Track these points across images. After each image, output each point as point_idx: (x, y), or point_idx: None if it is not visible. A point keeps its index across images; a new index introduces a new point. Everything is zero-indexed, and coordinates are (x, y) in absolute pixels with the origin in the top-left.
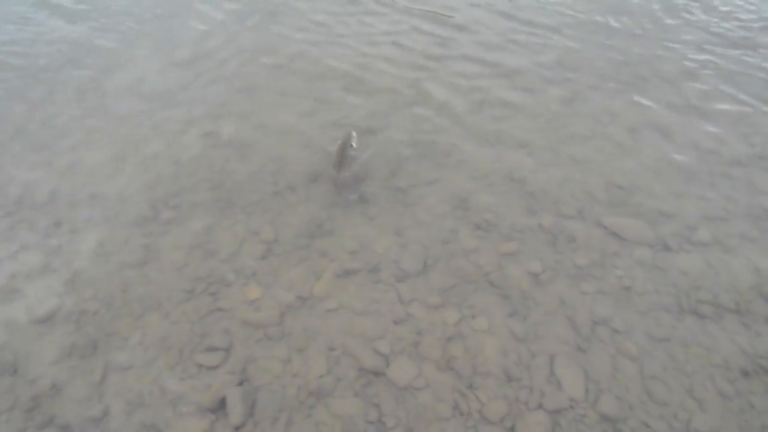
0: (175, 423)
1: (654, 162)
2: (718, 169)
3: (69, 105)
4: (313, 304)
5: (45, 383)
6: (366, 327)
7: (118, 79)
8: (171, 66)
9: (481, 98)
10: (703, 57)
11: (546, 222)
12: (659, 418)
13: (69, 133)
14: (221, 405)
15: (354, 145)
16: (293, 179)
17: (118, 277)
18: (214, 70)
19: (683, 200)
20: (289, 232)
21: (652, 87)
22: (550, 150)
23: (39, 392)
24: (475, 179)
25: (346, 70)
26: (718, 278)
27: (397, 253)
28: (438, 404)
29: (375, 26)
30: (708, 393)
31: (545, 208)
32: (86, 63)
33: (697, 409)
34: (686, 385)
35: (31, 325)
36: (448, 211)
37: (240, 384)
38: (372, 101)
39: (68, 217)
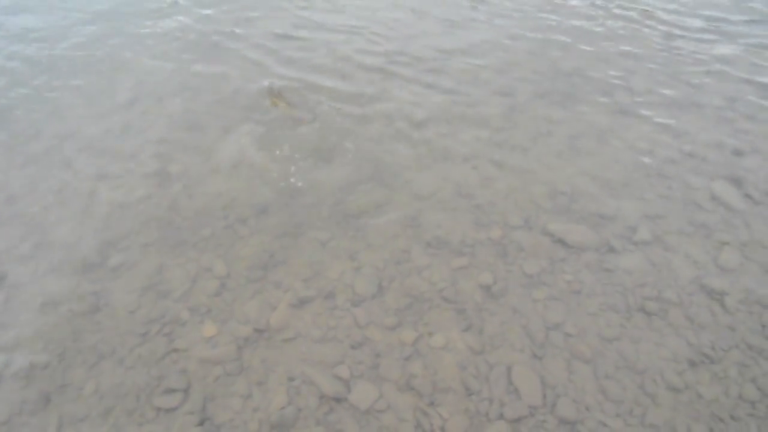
0: None
1: (592, 166)
2: (654, 170)
3: (7, 154)
4: (271, 336)
5: None
6: (324, 354)
7: (56, 125)
8: (112, 108)
9: (425, 116)
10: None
11: (495, 234)
12: (615, 416)
13: (7, 184)
14: None
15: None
16: (243, 211)
17: (68, 326)
18: (156, 109)
19: (623, 202)
20: (241, 265)
21: (586, 93)
22: (494, 163)
23: None
24: (423, 198)
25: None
26: (661, 275)
27: (351, 277)
28: (401, 425)
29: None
30: (659, 387)
31: (493, 220)
32: (21, 112)
33: (650, 404)
34: (638, 382)
35: None
36: (399, 232)
37: (200, 424)
38: (317, 128)
39: (12, 268)
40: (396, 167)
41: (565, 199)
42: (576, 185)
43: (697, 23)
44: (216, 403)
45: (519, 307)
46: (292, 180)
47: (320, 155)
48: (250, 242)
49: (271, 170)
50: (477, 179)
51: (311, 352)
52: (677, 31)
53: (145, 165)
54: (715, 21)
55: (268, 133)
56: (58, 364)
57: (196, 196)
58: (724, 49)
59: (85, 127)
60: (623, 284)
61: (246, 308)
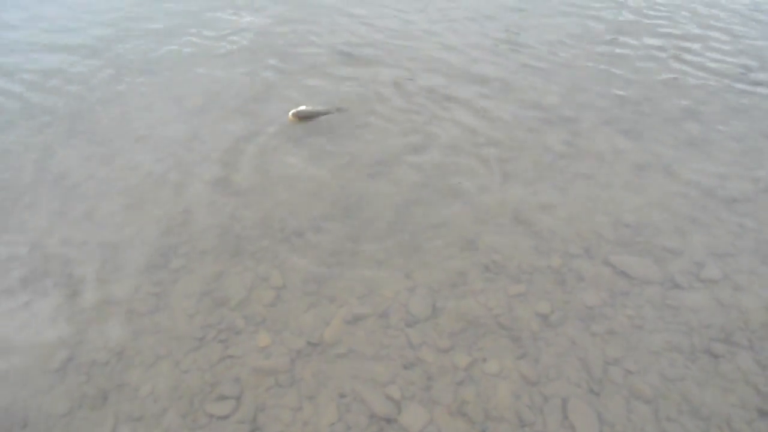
0: None
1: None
2: (723, 205)
3: (79, 153)
4: (323, 350)
5: None
6: (376, 372)
7: (127, 126)
8: (182, 113)
9: (486, 139)
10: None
11: (554, 262)
12: None
13: (76, 185)
14: None
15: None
16: (300, 224)
17: (128, 326)
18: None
19: (690, 236)
20: (297, 277)
21: (654, 122)
22: (557, 189)
23: None
24: (481, 221)
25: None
26: (729, 316)
27: (406, 297)
28: None
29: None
30: None
31: (553, 248)
32: (97, 111)
33: None
34: (702, 428)
35: (42, 375)
36: (455, 254)
37: None
38: (378, 144)
39: (78, 266)
40: (455, 188)
41: (629, 230)
42: (641, 217)
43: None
44: (266, 414)
45: (577, 338)
46: (349, 194)
47: (380, 170)
48: (307, 255)
49: (329, 184)
50: (537, 204)
51: (363, 370)
52: (753, 61)
53: (209, 172)
54: None
55: (327, 146)
56: (116, 363)
57: (256, 206)
58: None
59: (154, 132)
60: (688, 323)
61: (300, 321)
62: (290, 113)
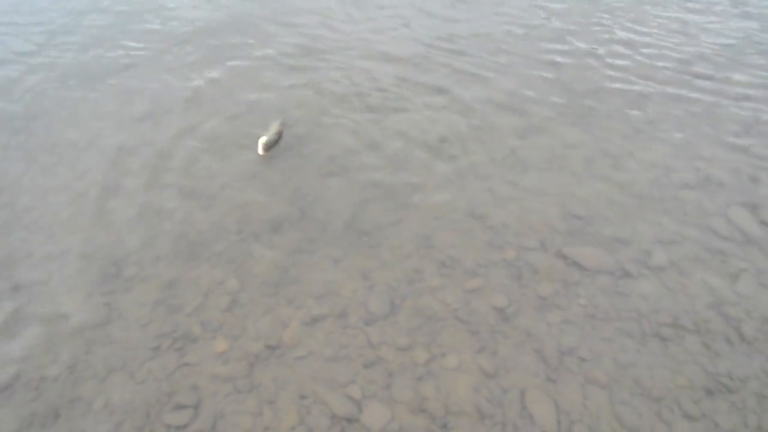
0: None
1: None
2: (668, 194)
3: (27, 163)
4: (282, 353)
5: None
6: (336, 373)
7: (70, 135)
8: (126, 120)
9: (439, 136)
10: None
11: (509, 255)
12: None
13: (22, 193)
14: None
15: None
16: (257, 227)
17: (79, 338)
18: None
19: (637, 225)
20: (254, 281)
21: (601, 116)
22: (509, 183)
23: None
24: (437, 217)
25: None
26: (677, 300)
27: (364, 296)
28: None
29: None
30: (675, 415)
31: (507, 241)
32: (42, 118)
33: None
34: (654, 409)
35: None
36: (412, 251)
37: None
38: (331, 145)
39: (25, 278)
40: (409, 186)
41: (580, 222)
42: (591, 208)
43: (711, 49)
44: (226, 421)
45: (533, 330)
46: (304, 195)
47: (333, 170)
48: (264, 258)
49: (285, 186)
50: (490, 199)
51: (323, 371)
52: (691, 54)
53: (161, 178)
54: (729, 50)
55: (283, 150)
56: (68, 377)
57: (211, 210)
58: (740, 76)
59: (102, 138)
60: (638, 309)
61: (258, 325)
62: (260, 149)
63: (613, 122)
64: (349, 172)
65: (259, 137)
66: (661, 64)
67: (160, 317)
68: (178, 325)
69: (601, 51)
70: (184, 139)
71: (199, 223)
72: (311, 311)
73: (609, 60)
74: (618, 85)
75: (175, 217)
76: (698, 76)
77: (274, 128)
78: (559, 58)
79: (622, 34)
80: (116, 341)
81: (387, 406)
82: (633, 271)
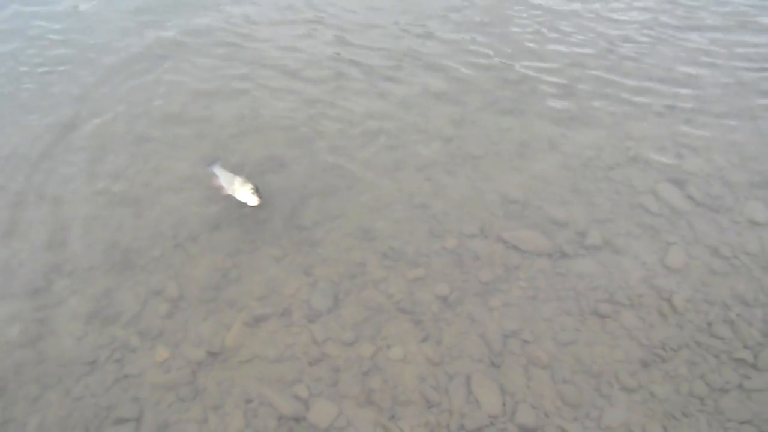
0: None
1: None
2: (600, 174)
3: None
4: (226, 357)
5: None
6: (282, 373)
7: None
8: (54, 125)
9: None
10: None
11: (449, 243)
12: (573, 420)
13: None
14: None
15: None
16: (193, 229)
17: (8, 358)
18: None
19: (572, 207)
20: (193, 285)
21: (535, 101)
22: (448, 171)
23: None
24: (377, 209)
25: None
26: (612, 277)
27: (307, 293)
28: None
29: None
30: (614, 389)
31: (448, 229)
32: None
33: (606, 405)
34: (594, 385)
35: None
36: (354, 244)
37: None
38: (266, 140)
39: None
40: (348, 179)
41: (518, 206)
42: (528, 192)
43: (637, 28)
44: (170, 431)
45: (476, 315)
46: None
47: (272, 167)
48: (202, 261)
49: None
50: (430, 188)
51: (268, 372)
52: (619, 34)
53: (90, 184)
54: (659, 26)
55: (216, 146)
56: None
57: (144, 215)
58: (659, 58)
59: (21, 145)
60: (576, 288)
61: (199, 330)
62: (254, 200)
63: (546, 107)
64: (286, 168)
65: (241, 188)
66: (587, 47)
67: (95, 330)
68: (116, 337)
69: (531, 36)
70: (113, 142)
71: (133, 230)
72: (253, 312)
73: (539, 46)
74: (547, 69)
75: (108, 224)
76: (624, 58)
77: (239, 179)
78: (488, 49)
79: (549, 18)
80: (49, 358)
81: (334, 402)
82: (570, 251)
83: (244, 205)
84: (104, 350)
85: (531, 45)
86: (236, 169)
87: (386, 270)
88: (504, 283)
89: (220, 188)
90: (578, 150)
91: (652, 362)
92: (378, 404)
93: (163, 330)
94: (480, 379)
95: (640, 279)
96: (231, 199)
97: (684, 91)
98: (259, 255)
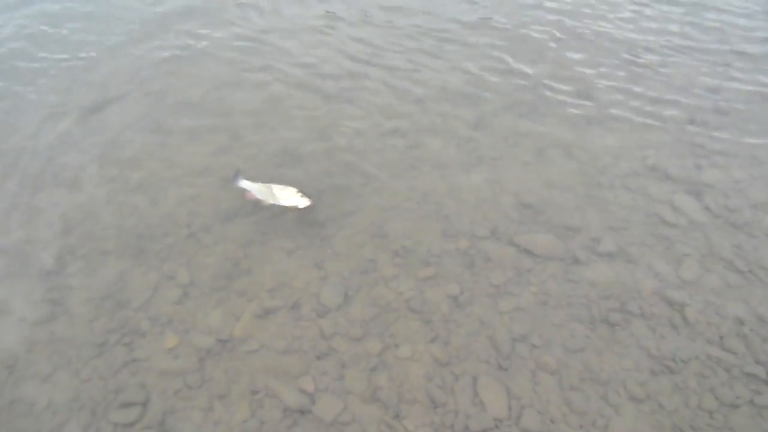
0: None
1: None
2: (616, 182)
3: None
4: (234, 347)
5: None
6: (289, 365)
7: (15, 125)
8: (73, 111)
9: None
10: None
11: (462, 244)
12: (579, 428)
13: None
14: None
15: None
16: (207, 219)
17: (21, 336)
18: (120, 113)
19: (587, 213)
20: (205, 274)
21: (552, 105)
22: (463, 172)
23: None
24: (390, 207)
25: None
26: (624, 286)
27: (317, 287)
28: None
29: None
30: (622, 398)
31: (460, 230)
32: None
33: (613, 414)
34: (602, 393)
35: None
36: (366, 241)
37: None
38: (284, 134)
39: None
40: (363, 176)
41: (532, 210)
42: (543, 196)
43: (659, 37)
44: (176, 417)
45: (485, 318)
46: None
47: (286, 161)
48: (215, 250)
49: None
50: (444, 189)
51: (275, 364)
52: (641, 43)
53: (107, 170)
54: (679, 36)
55: (230, 140)
56: (8, 377)
57: (160, 202)
58: (687, 61)
59: (41, 130)
60: (588, 296)
61: (209, 318)
62: (306, 200)
63: (564, 112)
64: (301, 163)
65: (285, 193)
66: (608, 55)
67: (106, 313)
68: (126, 321)
69: (552, 42)
70: (132, 130)
71: (147, 216)
72: (263, 303)
73: (559, 52)
74: (566, 75)
75: (123, 210)
76: (645, 66)
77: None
78: (507, 53)
79: (570, 25)
80: (60, 339)
81: (339, 397)
82: (583, 257)
83: (287, 210)
84: (114, 334)
85: (550, 50)
86: (251, 161)
87: (397, 268)
88: (515, 286)
89: (257, 201)
90: (595, 156)
91: (662, 373)
92: (383, 401)
93: (173, 317)
94: (487, 381)
95: (653, 289)
96: (272, 207)
97: (705, 102)
98: (271, 247)
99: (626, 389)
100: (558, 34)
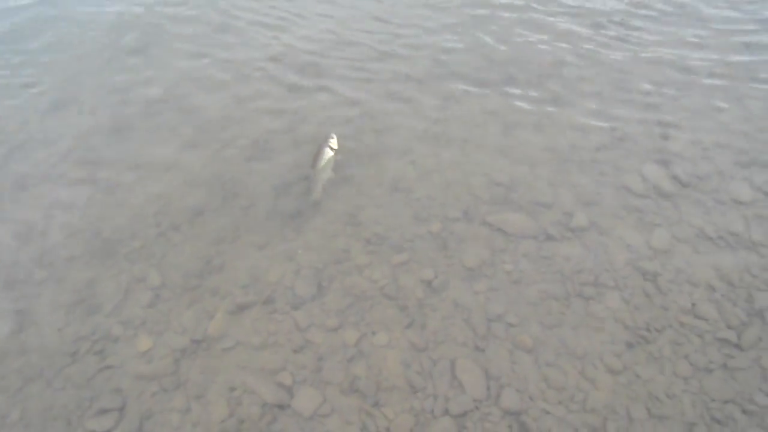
0: None
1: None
2: (586, 156)
3: None
4: (209, 346)
5: None
6: (266, 361)
7: None
8: (35, 111)
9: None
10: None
11: (434, 228)
12: (558, 403)
13: None
14: None
15: (334, 147)
16: (176, 217)
17: None
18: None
19: (558, 189)
20: (176, 273)
21: (521, 83)
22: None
23: None
24: (361, 195)
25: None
26: (597, 260)
27: (291, 280)
28: (346, 428)
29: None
30: (599, 371)
31: (433, 213)
32: None
33: (591, 388)
34: (579, 368)
35: None
36: (338, 230)
37: None
38: (251, 127)
39: None
40: (334, 163)
41: (503, 189)
42: (513, 174)
43: (624, 10)
44: (153, 421)
45: (460, 300)
46: (225, 181)
47: (255, 154)
48: (185, 249)
49: (205, 173)
50: (414, 173)
51: (252, 360)
52: (604, 14)
53: (71, 172)
54: (646, 8)
55: (197, 134)
56: None
57: (126, 203)
58: (650, 36)
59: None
60: (562, 271)
61: (182, 318)
62: (334, 142)
63: (531, 89)
64: (270, 155)
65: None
66: (575, 28)
67: (77, 320)
68: (98, 327)
69: (515, 17)
70: (95, 130)
71: (114, 218)
72: (237, 300)
73: (525, 28)
74: (535, 53)
75: (89, 213)
76: (611, 39)
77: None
78: (472, 33)
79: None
80: (30, 349)
81: (318, 389)
82: (555, 234)
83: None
84: (85, 341)
85: (516, 26)
86: (219, 154)
87: (371, 256)
88: (489, 267)
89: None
90: (564, 131)
91: (637, 344)
92: (362, 391)
93: (146, 319)
94: (464, 363)
95: (626, 261)
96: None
97: (671, 72)
98: (243, 242)
99: (603, 362)
100: (523, 16)
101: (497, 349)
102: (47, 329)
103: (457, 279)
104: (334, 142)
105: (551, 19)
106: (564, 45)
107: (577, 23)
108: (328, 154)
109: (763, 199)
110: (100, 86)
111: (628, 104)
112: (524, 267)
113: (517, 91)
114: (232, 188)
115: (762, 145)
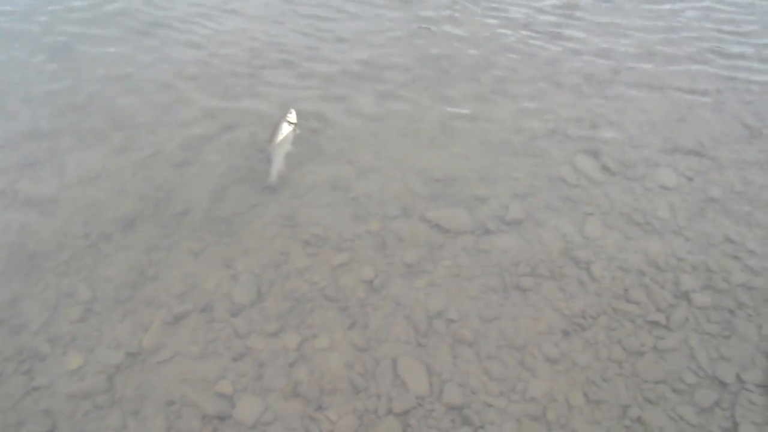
0: None
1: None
2: (521, 148)
3: None
4: (144, 359)
5: None
6: (205, 371)
7: None
8: None
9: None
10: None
11: (373, 226)
12: (499, 395)
13: None
14: None
15: (293, 121)
16: (107, 227)
17: None
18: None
19: (494, 182)
20: (108, 286)
21: (455, 79)
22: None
23: None
24: (298, 195)
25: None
26: (534, 251)
27: (229, 286)
28: None
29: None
30: (538, 360)
31: (371, 212)
32: None
33: (530, 378)
34: (518, 358)
35: None
36: (276, 233)
37: None
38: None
39: None
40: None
41: (440, 184)
42: (450, 170)
43: (551, 5)
44: None
45: (401, 298)
46: (157, 187)
47: (188, 158)
48: (117, 260)
49: (135, 180)
50: (351, 172)
51: (190, 371)
52: (533, 11)
53: None
54: (571, 3)
55: (127, 138)
56: None
57: (52, 214)
58: (576, 32)
59: None
60: (500, 264)
61: (116, 332)
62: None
63: (466, 83)
64: (203, 157)
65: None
66: (506, 22)
67: (0, 341)
68: (24, 346)
69: (446, 14)
70: (15, 139)
71: (39, 231)
72: (173, 310)
73: (461, 20)
74: (468, 48)
75: (11, 227)
76: (540, 33)
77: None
78: (411, 25)
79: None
80: None
81: (260, 396)
82: (492, 227)
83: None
84: (11, 362)
85: (454, 17)
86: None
87: (310, 258)
88: (428, 263)
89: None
90: (498, 125)
91: (573, 331)
92: (305, 396)
93: (76, 335)
94: (406, 361)
95: (561, 251)
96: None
97: (599, 62)
98: (177, 250)
99: (541, 351)
100: (456, 15)
101: (439, 345)
102: None
103: (398, 277)
104: (292, 117)
105: (483, 18)
106: (496, 41)
107: (508, 21)
108: (287, 129)
109: (687, 184)
110: (22, 93)
111: (558, 96)
112: (463, 262)
113: (450, 87)
114: (165, 194)
115: (684, 132)
